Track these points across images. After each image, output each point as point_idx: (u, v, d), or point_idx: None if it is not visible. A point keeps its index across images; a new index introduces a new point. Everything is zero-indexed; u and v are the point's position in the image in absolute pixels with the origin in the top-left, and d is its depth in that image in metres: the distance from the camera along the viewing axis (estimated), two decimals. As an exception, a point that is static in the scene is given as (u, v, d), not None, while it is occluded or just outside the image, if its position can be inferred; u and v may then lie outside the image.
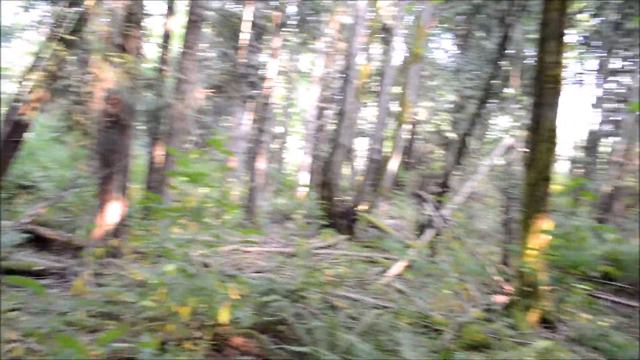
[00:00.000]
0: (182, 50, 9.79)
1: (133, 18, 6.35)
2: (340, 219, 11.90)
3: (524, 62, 17.63)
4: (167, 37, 10.89)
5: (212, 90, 15.00)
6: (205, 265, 6.69)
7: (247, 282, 4.46)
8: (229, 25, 13.63)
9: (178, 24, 11.57)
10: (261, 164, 13.38)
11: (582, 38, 23.06)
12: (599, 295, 8.16)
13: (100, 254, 5.79)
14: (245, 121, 14.42)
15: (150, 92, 10.14)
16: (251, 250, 8.97)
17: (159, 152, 10.22)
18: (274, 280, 5.33)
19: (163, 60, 10.63)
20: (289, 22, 14.20)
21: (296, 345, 3.58)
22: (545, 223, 6.15)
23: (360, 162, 23.41)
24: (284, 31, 14.64)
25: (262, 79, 13.45)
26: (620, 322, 6.96)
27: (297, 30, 15.59)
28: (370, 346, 3.07)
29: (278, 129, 29.44)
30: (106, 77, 6.14)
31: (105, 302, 4.42)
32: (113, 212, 6.37)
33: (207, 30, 16.34)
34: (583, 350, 5.30)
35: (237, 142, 14.35)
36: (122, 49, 6.30)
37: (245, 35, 13.20)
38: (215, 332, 3.98)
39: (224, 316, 3.35)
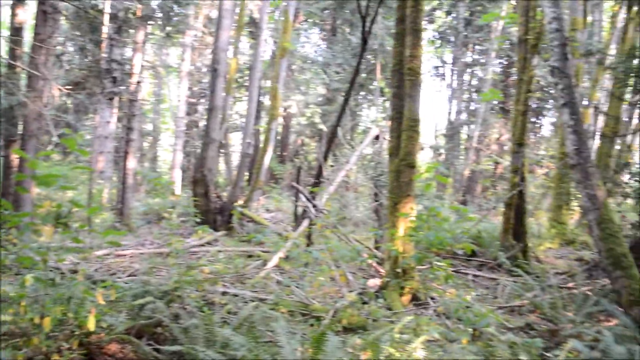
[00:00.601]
0: (34, 44, 9.09)
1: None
2: (217, 215, 11.77)
3: (386, 56, 18.47)
4: (18, 29, 10.04)
5: (71, 88, 14.09)
6: (74, 272, 6.34)
7: (118, 287, 4.29)
8: (86, 18, 12.86)
9: (30, 15, 10.72)
10: (131, 163, 12.83)
11: (437, 34, 24.64)
12: (465, 272, 8.85)
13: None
14: (111, 119, 13.74)
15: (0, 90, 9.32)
16: (125, 254, 8.62)
17: (15, 155, 9.45)
18: (148, 282, 5.18)
19: (14, 55, 9.80)
20: (153, 14, 13.69)
21: (173, 345, 3.52)
22: (410, 207, 6.55)
23: (235, 157, 23.28)
24: (148, 24, 14.10)
25: (127, 74, 12.88)
26: (482, 293, 7.62)
27: (162, 23, 15.09)
28: (246, 338, 3.10)
29: (148, 127, 28.37)
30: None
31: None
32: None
33: (63, 22, 15.31)
34: (449, 322, 5.74)
35: (103, 142, 13.65)
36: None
37: (105, 28, 12.55)
38: (87, 341, 3.80)
39: (91, 323, 3.21)
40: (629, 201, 9.65)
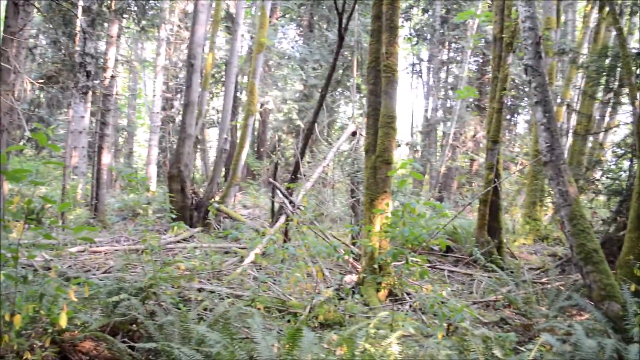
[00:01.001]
0: (5, 36, 8.88)
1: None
2: (193, 212, 11.69)
3: (363, 52, 18.52)
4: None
5: (43, 81, 13.82)
6: (47, 269, 6.24)
7: (91, 283, 4.24)
8: (59, 10, 12.61)
9: (0, 7, 10.45)
10: (105, 158, 12.65)
11: (413, 31, 24.77)
12: (441, 267, 8.94)
13: None
14: (85, 114, 13.51)
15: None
16: (100, 250, 8.53)
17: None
18: (123, 279, 5.13)
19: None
20: (127, 8, 13.49)
21: (148, 342, 3.49)
22: (386, 203, 6.59)
23: (212, 153, 23.12)
24: (123, 17, 13.90)
25: (101, 68, 12.67)
26: (458, 289, 7.71)
27: (136, 17, 14.88)
28: (222, 335, 3.09)
29: (123, 122, 28.01)
30: None
31: None
32: None
33: (35, 15, 15.00)
34: (425, 317, 5.80)
35: (77, 137, 13.41)
36: None
37: (79, 21, 12.33)
38: (60, 339, 3.74)
39: (62, 320, 3.16)
40: (601, 198, 9.84)
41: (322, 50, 20.49)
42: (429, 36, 23.76)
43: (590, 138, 12.86)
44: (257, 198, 17.24)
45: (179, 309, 4.33)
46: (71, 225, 6.94)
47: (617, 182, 8.83)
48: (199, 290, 5.92)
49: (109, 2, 12.40)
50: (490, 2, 18.73)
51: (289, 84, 23.04)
